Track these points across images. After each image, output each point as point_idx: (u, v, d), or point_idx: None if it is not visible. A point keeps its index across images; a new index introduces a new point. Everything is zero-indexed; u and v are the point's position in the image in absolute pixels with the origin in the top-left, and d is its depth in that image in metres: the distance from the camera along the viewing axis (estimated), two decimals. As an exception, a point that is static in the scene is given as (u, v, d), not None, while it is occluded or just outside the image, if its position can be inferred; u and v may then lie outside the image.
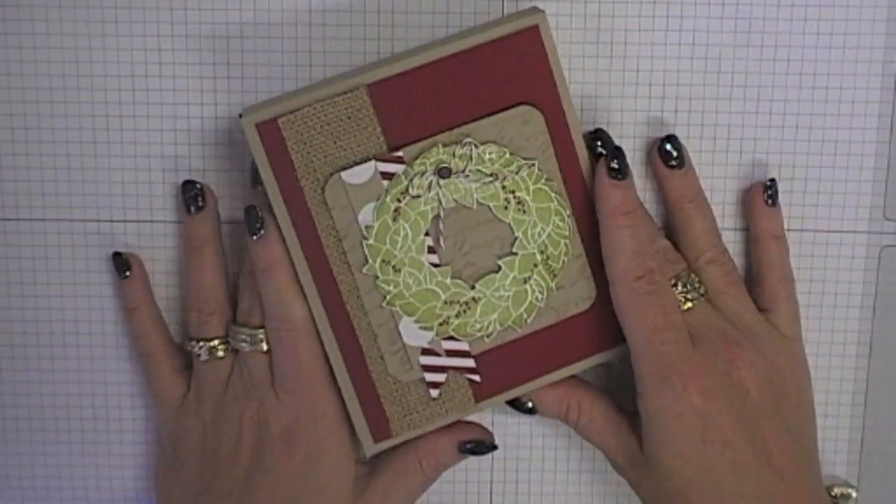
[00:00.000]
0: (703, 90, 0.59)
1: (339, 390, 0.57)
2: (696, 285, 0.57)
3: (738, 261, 0.60)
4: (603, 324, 0.58)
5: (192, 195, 0.58)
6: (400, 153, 0.54)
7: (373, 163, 0.54)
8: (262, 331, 0.58)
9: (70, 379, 0.62)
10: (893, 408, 0.62)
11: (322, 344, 0.57)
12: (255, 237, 0.56)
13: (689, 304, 0.56)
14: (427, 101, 0.54)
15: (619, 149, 0.55)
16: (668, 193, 0.58)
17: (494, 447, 0.60)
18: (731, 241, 0.60)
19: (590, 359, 0.58)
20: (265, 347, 0.58)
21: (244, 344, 0.58)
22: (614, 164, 0.55)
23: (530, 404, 0.59)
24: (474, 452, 0.59)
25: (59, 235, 0.61)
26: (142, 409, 0.62)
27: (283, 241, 0.56)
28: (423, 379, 0.57)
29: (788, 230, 0.60)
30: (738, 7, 0.58)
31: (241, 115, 0.54)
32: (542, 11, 0.54)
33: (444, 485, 0.63)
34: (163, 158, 0.60)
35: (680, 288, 0.56)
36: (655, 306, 0.55)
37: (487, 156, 0.55)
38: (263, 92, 0.59)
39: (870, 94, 0.59)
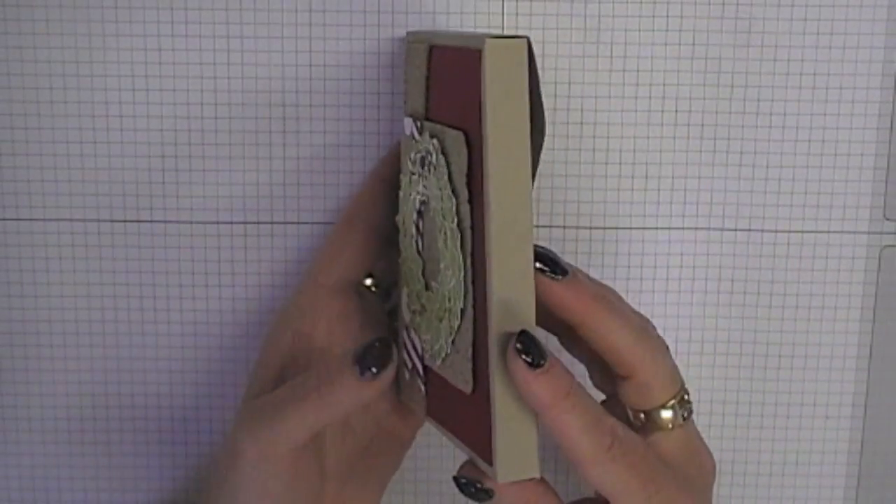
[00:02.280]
0: (703, 90, 0.59)
1: None
2: (687, 401, 0.52)
3: (739, 260, 0.60)
4: (477, 423, 0.48)
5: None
6: (419, 123, 0.51)
7: (410, 121, 0.53)
8: None
9: (70, 379, 0.62)
10: (894, 409, 0.62)
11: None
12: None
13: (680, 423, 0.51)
14: (440, 84, 0.51)
15: (524, 333, 0.46)
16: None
17: (383, 349, 0.50)
18: (731, 241, 0.60)
19: (467, 448, 0.50)
20: None
21: None
22: (528, 359, 0.46)
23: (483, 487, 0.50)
24: (364, 359, 0.50)
25: (59, 235, 0.61)
26: (142, 409, 0.62)
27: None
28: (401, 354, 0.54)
29: (789, 231, 0.60)
30: (738, 7, 0.58)
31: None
32: (523, 38, 0.45)
33: (444, 485, 0.63)
34: (163, 158, 0.60)
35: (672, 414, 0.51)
36: (637, 469, 0.48)
37: (440, 167, 0.49)
38: (263, 92, 0.59)
39: (870, 95, 0.59)
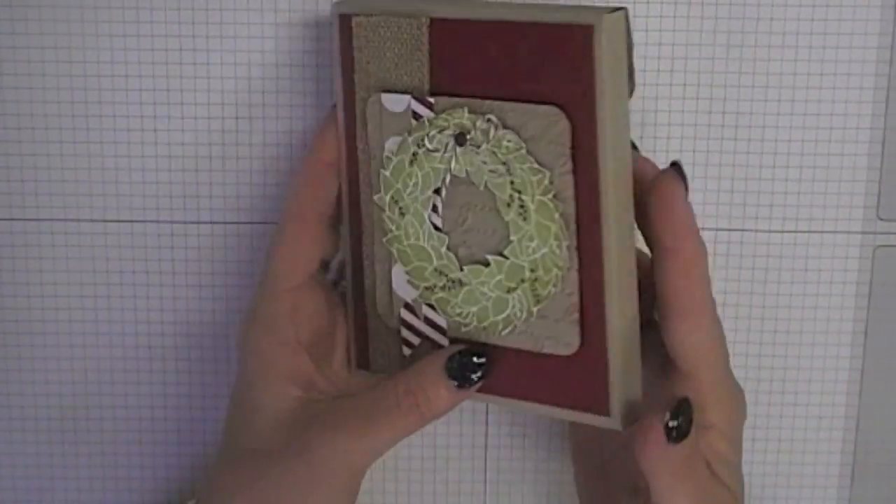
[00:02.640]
0: (697, 90, 0.59)
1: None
2: None
3: (732, 260, 0.60)
4: (581, 381, 0.51)
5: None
6: (432, 100, 0.51)
7: (408, 97, 0.51)
8: None
9: (67, 379, 0.62)
10: (887, 408, 0.62)
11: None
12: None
13: None
14: (475, 60, 0.49)
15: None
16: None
17: (483, 360, 0.52)
18: (725, 241, 0.60)
19: (555, 408, 0.52)
20: None
21: None
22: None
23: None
24: (463, 373, 0.52)
25: (59, 235, 0.61)
26: (139, 409, 0.63)
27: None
28: (400, 332, 0.54)
29: (782, 231, 0.60)
30: (731, 7, 0.58)
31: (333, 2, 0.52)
32: (623, 8, 0.48)
33: (439, 486, 0.63)
34: (163, 158, 0.60)
35: None
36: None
37: (504, 142, 0.49)
38: (269, 92, 0.59)
39: (862, 95, 0.58)
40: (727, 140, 0.59)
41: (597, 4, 0.55)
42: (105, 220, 0.61)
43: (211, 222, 0.61)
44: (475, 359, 0.52)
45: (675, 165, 0.50)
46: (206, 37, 0.59)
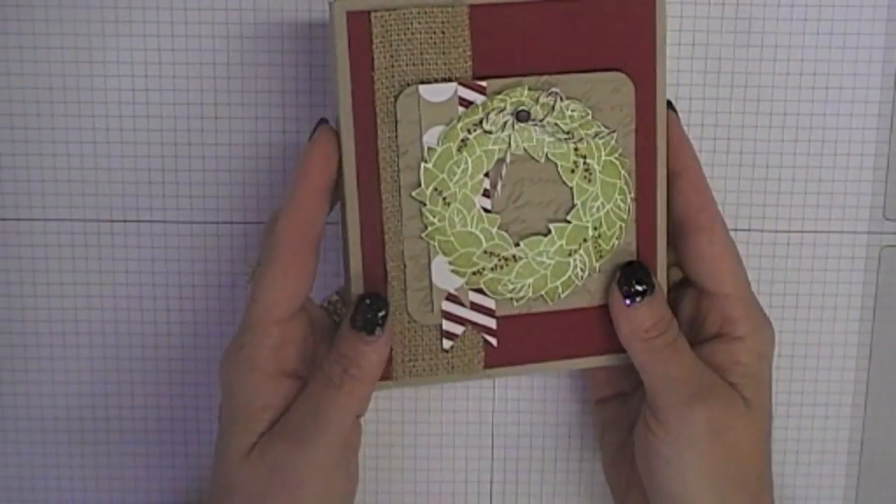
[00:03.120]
0: (703, 90, 0.59)
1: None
2: None
3: (746, 261, 0.60)
4: None
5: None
6: (484, 83, 0.52)
7: (454, 85, 0.52)
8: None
9: (70, 379, 0.62)
10: (893, 408, 0.62)
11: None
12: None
13: None
14: (525, 40, 0.52)
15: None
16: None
17: (374, 299, 0.53)
18: (738, 241, 0.59)
19: (614, 356, 0.56)
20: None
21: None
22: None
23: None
24: (365, 319, 0.52)
25: (59, 235, 0.61)
26: (142, 409, 0.62)
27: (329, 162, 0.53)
28: (440, 326, 0.55)
29: (789, 231, 0.60)
30: (738, 7, 0.58)
31: (331, 2, 0.52)
32: None
33: (445, 485, 0.63)
34: (163, 158, 0.60)
35: None
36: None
37: (569, 112, 0.53)
38: (263, 91, 0.59)
39: (869, 95, 0.59)
40: (734, 140, 0.59)
41: None
42: (110, 221, 0.60)
43: (217, 222, 0.60)
44: (367, 301, 0.53)
45: (669, 104, 0.54)
46: (212, 37, 0.58)
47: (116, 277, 0.61)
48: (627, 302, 0.53)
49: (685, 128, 0.59)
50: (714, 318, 0.55)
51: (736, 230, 0.60)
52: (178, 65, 0.59)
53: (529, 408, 0.63)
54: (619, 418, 0.59)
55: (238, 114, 0.59)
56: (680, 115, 0.59)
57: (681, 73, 0.59)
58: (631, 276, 0.54)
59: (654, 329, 0.53)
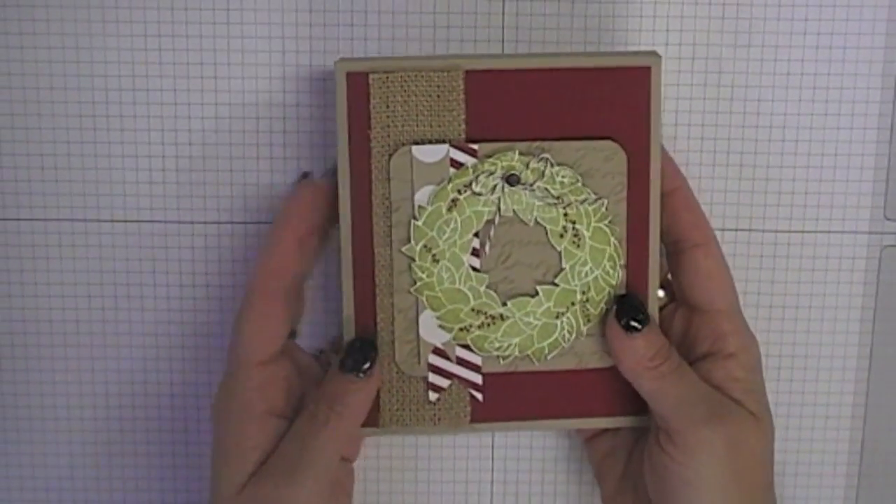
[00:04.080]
0: (704, 90, 0.59)
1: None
2: None
3: (739, 260, 0.60)
4: (624, 387, 0.56)
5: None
6: (475, 146, 0.54)
7: (446, 146, 0.54)
8: None
9: (70, 379, 0.62)
10: (893, 408, 0.62)
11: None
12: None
13: None
14: (518, 106, 0.54)
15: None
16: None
17: (365, 344, 0.55)
18: (732, 241, 0.60)
19: (598, 419, 0.57)
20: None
21: None
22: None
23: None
24: (354, 361, 0.55)
25: (59, 235, 0.61)
26: (142, 409, 0.62)
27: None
28: (426, 378, 0.56)
29: (790, 231, 0.60)
30: (738, 7, 0.58)
31: (335, 61, 0.54)
32: (659, 57, 0.54)
33: (445, 485, 0.63)
34: (163, 158, 0.60)
35: None
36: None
37: (559, 178, 0.54)
38: (264, 92, 0.59)
39: (870, 95, 0.59)
40: (734, 140, 0.59)
41: (619, 50, 0.59)
42: (110, 221, 0.60)
43: (217, 222, 0.60)
44: (357, 344, 0.55)
45: None
46: (214, 37, 0.58)
47: (116, 277, 0.61)
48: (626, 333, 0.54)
49: (686, 128, 0.59)
50: (705, 336, 0.56)
51: (736, 230, 0.60)
52: (178, 65, 0.59)
53: (530, 408, 0.63)
54: (615, 450, 0.59)
55: (238, 114, 0.59)
56: (680, 115, 0.59)
57: (681, 74, 0.59)
58: (629, 310, 0.54)
59: (658, 357, 0.54)
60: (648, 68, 0.53)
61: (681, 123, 0.59)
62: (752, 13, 0.58)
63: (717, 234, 0.59)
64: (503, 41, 0.58)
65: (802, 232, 0.60)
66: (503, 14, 0.58)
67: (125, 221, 0.60)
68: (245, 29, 0.58)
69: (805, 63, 0.58)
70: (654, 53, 0.54)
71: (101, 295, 0.61)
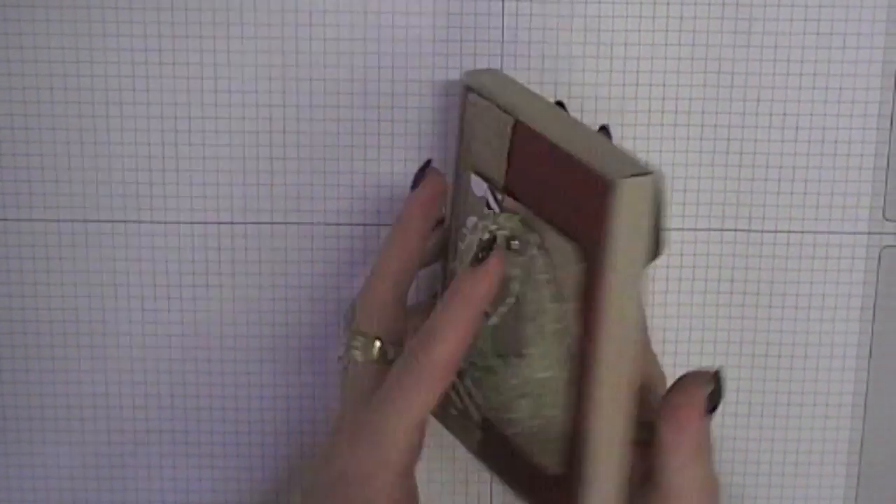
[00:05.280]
0: (704, 90, 0.59)
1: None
2: None
3: (739, 260, 0.60)
4: (562, 498, 0.51)
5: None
6: (500, 197, 0.52)
7: (486, 186, 0.53)
8: (377, 341, 0.54)
9: (70, 379, 0.62)
10: (893, 409, 0.62)
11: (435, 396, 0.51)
12: (473, 265, 0.50)
13: None
14: (539, 174, 0.50)
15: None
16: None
17: None
18: (731, 241, 0.60)
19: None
20: (375, 356, 0.54)
21: (356, 352, 0.55)
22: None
23: None
24: None
25: (59, 236, 0.61)
26: (141, 409, 0.62)
27: (497, 284, 0.51)
28: (455, 387, 0.55)
29: (788, 231, 0.60)
30: (738, 7, 0.58)
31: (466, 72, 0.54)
32: (652, 173, 0.46)
33: (445, 485, 0.63)
34: (163, 159, 0.60)
35: None
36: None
37: (538, 262, 0.50)
38: (264, 92, 0.59)
39: (869, 95, 0.59)
40: (734, 140, 0.59)
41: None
42: (110, 221, 0.60)
43: (217, 222, 0.60)
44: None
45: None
46: (212, 37, 0.58)
47: (116, 277, 0.61)
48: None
49: (685, 128, 0.59)
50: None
51: (735, 230, 0.60)
52: (178, 65, 0.59)
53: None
54: None
55: (238, 114, 0.59)
56: (679, 115, 0.59)
57: (681, 74, 0.59)
58: (719, 396, 0.50)
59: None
60: (612, 183, 0.45)
61: (680, 124, 0.59)
62: (752, 13, 0.58)
63: (717, 234, 0.60)
64: (503, 41, 0.58)
65: (802, 232, 0.60)
66: (503, 14, 0.58)
67: (125, 221, 0.60)
68: (245, 29, 0.58)
69: (804, 63, 0.58)
70: (640, 171, 0.46)
71: (101, 295, 0.61)
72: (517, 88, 0.54)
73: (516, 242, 0.51)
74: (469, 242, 0.53)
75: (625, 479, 0.50)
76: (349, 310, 0.56)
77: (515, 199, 0.51)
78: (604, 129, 0.55)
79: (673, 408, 0.49)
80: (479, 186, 0.53)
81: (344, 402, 0.55)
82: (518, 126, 0.51)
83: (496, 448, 0.55)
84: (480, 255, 0.50)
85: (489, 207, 0.53)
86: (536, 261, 0.50)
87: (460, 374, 0.55)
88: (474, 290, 0.50)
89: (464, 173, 0.54)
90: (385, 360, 0.54)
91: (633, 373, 0.49)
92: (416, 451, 0.52)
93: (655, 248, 0.48)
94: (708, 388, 0.49)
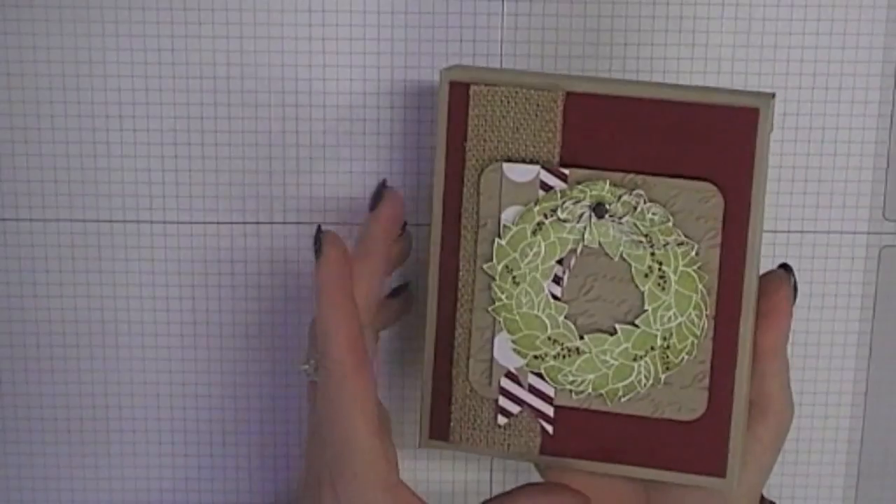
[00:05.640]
0: (703, 90, 0.59)
1: (375, 446, 0.52)
2: None
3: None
4: (699, 445, 0.53)
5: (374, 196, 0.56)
6: (566, 171, 0.52)
7: (538, 168, 0.52)
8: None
9: (70, 379, 0.62)
10: (893, 408, 0.62)
11: (366, 385, 0.51)
12: (317, 259, 0.52)
13: None
14: (616, 135, 0.51)
15: (786, 265, 0.55)
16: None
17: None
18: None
19: (671, 473, 0.54)
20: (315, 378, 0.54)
21: (305, 368, 0.55)
22: (794, 282, 0.54)
23: None
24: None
25: (59, 235, 0.61)
26: (141, 409, 0.62)
27: (345, 265, 0.52)
28: (497, 401, 0.54)
29: (788, 231, 0.60)
30: (738, 7, 0.58)
31: (441, 70, 0.53)
32: (771, 97, 0.51)
33: (444, 485, 0.63)
34: (163, 159, 0.60)
35: None
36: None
37: (650, 215, 0.51)
38: (264, 92, 0.59)
39: (869, 94, 0.59)
40: (734, 140, 0.59)
41: (736, 88, 0.57)
42: (110, 221, 0.60)
43: (217, 222, 0.60)
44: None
45: (787, 269, 0.55)
46: (212, 37, 0.58)
47: (116, 277, 0.61)
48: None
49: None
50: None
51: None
52: (178, 65, 0.59)
53: (529, 408, 0.63)
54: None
55: (238, 114, 0.59)
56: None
57: (681, 74, 0.58)
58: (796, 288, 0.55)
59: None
60: (756, 110, 0.50)
61: (680, 123, 0.59)
62: (752, 13, 0.58)
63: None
64: (502, 41, 0.58)
65: (802, 232, 0.60)
66: (503, 14, 0.58)
67: (125, 221, 0.60)
68: (244, 29, 0.58)
69: (804, 63, 0.58)
70: (765, 95, 0.51)
71: (101, 295, 0.61)
72: (515, 71, 0.54)
73: (608, 206, 0.52)
74: (517, 233, 0.53)
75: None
76: (312, 327, 0.55)
77: (586, 167, 0.52)
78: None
79: (769, 312, 0.53)
80: (522, 172, 0.52)
81: (315, 412, 0.54)
82: (570, 97, 0.51)
83: (580, 432, 0.54)
84: (316, 246, 0.52)
85: (545, 188, 0.52)
86: (647, 214, 0.51)
87: (517, 376, 0.54)
88: (328, 276, 0.51)
89: (478, 168, 0.53)
90: None
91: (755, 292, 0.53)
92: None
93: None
94: (791, 282, 0.54)
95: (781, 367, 0.54)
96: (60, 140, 0.60)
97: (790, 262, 0.60)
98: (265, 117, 0.59)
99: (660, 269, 0.52)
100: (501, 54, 0.58)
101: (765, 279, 0.53)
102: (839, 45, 0.58)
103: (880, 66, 0.58)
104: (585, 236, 0.52)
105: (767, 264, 0.60)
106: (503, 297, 0.53)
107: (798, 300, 0.60)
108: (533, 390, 0.54)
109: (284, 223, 0.60)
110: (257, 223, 0.60)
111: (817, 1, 0.58)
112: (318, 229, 0.52)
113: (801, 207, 0.60)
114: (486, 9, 0.58)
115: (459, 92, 0.53)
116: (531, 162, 0.52)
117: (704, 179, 0.51)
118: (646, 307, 0.52)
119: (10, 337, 0.62)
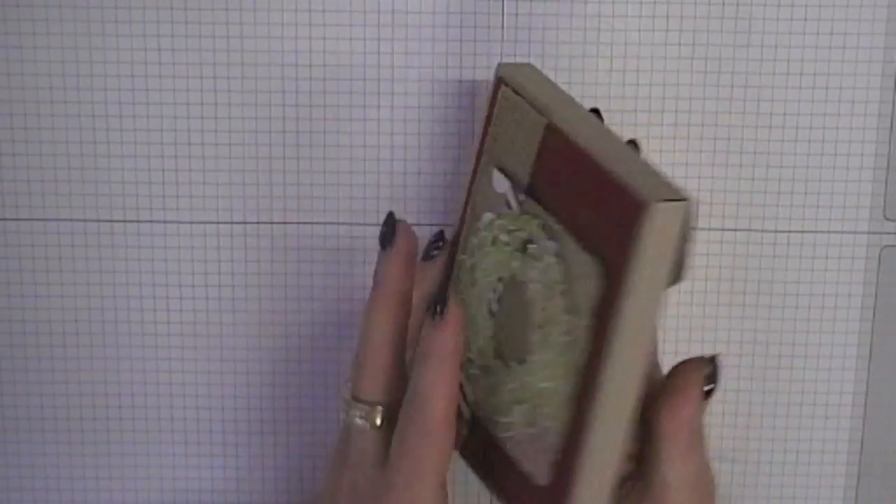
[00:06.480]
0: (704, 90, 0.59)
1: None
2: None
3: (739, 260, 0.60)
4: None
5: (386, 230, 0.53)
6: (521, 198, 0.51)
7: (508, 185, 0.51)
8: (379, 407, 0.53)
9: (70, 379, 0.62)
10: (893, 409, 0.62)
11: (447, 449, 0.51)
12: (433, 319, 0.50)
13: None
14: (565, 180, 0.49)
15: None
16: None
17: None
18: (732, 241, 0.60)
19: None
20: (378, 423, 0.53)
21: (359, 420, 0.53)
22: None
23: None
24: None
25: (59, 235, 0.61)
26: (141, 409, 0.62)
27: (462, 330, 0.51)
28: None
29: (789, 231, 0.60)
30: (738, 7, 0.58)
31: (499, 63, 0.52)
32: (686, 200, 0.45)
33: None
34: (163, 158, 0.60)
35: None
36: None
37: (552, 271, 0.49)
38: (264, 92, 0.59)
39: (870, 94, 0.59)
40: (734, 140, 0.59)
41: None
42: (110, 221, 0.60)
43: (217, 222, 0.60)
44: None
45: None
46: (213, 36, 0.58)
47: (116, 277, 0.61)
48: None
49: (685, 127, 0.59)
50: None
51: (735, 230, 0.60)
52: (178, 65, 0.59)
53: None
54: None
55: (238, 114, 0.59)
56: (680, 115, 0.59)
57: (681, 73, 0.59)
58: (715, 377, 0.50)
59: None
60: (646, 204, 0.45)
61: (680, 123, 0.59)
62: (752, 13, 0.58)
63: (717, 234, 0.60)
64: (502, 41, 0.58)
65: (802, 232, 0.60)
66: (503, 14, 0.58)
67: (125, 221, 0.60)
68: (244, 29, 0.58)
69: (804, 63, 0.58)
70: (675, 196, 0.45)
71: (101, 295, 0.61)
72: (553, 88, 0.52)
73: (533, 246, 0.50)
74: (482, 239, 0.52)
75: (613, 494, 0.50)
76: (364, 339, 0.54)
77: (538, 201, 0.50)
78: (632, 143, 0.53)
79: (670, 392, 0.50)
80: (500, 183, 0.52)
81: (343, 465, 0.54)
82: (550, 128, 0.50)
83: (482, 448, 0.54)
84: (438, 308, 0.50)
85: (509, 207, 0.51)
86: (552, 269, 0.49)
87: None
88: (444, 346, 0.50)
89: (486, 166, 0.53)
90: (391, 426, 0.52)
91: (637, 393, 0.48)
92: None
93: (678, 274, 0.47)
94: (705, 370, 0.50)
95: (683, 454, 0.50)
96: (60, 140, 0.60)
97: (790, 262, 0.60)
98: (265, 117, 0.59)
99: (547, 327, 0.49)
100: (501, 54, 0.59)
101: (681, 363, 0.51)
102: (839, 44, 0.58)
103: (880, 66, 0.58)
104: (513, 265, 0.51)
105: (767, 264, 0.60)
106: (464, 293, 0.53)
107: (798, 300, 0.61)
108: (461, 389, 0.53)
109: (284, 223, 0.60)
110: (257, 223, 0.61)
111: (817, 1, 0.58)
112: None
113: (802, 207, 0.60)
114: (486, 9, 0.58)
115: (498, 88, 0.52)
116: (508, 177, 0.52)
117: (597, 254, 0.47)
118: (534, 357, 0.50)
119: (11, 337, 0.62)
